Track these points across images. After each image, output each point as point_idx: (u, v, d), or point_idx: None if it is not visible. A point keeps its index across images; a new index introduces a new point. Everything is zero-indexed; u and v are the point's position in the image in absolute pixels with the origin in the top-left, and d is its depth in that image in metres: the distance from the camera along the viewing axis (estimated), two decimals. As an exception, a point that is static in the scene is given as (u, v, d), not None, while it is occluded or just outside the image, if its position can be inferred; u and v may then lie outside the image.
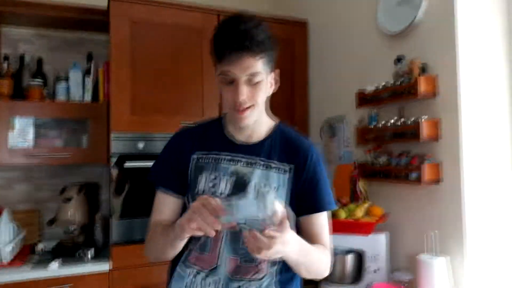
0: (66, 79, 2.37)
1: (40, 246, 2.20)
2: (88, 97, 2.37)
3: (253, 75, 1.03)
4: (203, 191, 1.10)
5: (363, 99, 2.04)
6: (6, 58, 2.31)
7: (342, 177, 2.14)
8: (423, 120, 1.68)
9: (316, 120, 2.57)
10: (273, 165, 1.11)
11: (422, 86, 1.68)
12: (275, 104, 2.45)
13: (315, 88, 2.60)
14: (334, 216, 1.74)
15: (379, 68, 2.00)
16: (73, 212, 2.28)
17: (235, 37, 1.01)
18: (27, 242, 2.27)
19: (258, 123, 1.14)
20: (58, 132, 2.37)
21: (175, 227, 1.00)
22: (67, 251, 2.16)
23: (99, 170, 2.56)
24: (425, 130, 1.67)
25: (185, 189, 1.14)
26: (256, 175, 1.09)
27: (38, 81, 2.27)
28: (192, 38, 2.27)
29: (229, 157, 1.13)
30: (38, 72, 2.39)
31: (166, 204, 1.16)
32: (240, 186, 1.09)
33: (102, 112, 2.29)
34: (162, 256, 1.11)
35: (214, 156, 1.14)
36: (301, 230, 1.11)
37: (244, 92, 1.04)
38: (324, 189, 1.14)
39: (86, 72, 2.42)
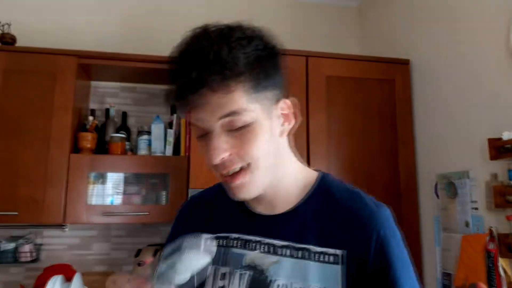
0: (148, 132, 2.28)
1: (111, 314, 2.00)
2: (169, 151, 2.24)
3: (233, 115, 0.65)
4: None
5: (498, 149, 1.56)
6: (93, 112, 2.30)
7: (472, 252, 1.63)
8: None
9: (426, 174, 2.10)
10: (312, 251, 0.70)
11: None
12: (375, 152, 2.04)
13: (422, 135, 2.15)
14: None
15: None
16: (148, 277, 2.07)
17: (189, 62, 0.64)
18: (100, 307, 2.09)
19: (281, 182, 0.75)
20: (138, 188, 2.24)
21: None
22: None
23: (178, 229, 2.36)
24: None
25: None
26: (284, 270, 0.70)
27: (119, 135, 2.20)
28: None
29: (243, 239, 0.75)
30: (123, 125, 2.34)
31: None
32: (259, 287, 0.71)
33: (182, 166, 2.11)
34: None
35: (224, 238, 0.78)
36: None
37: (221, 147, 0.66)
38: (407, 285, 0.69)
39: (169, 125, 2.31)
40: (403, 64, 2.23)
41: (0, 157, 1.92)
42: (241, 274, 0.72)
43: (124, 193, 2.18)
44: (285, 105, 0.74)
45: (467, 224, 1.76)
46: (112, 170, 2.11)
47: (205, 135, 0.69)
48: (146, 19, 2.56)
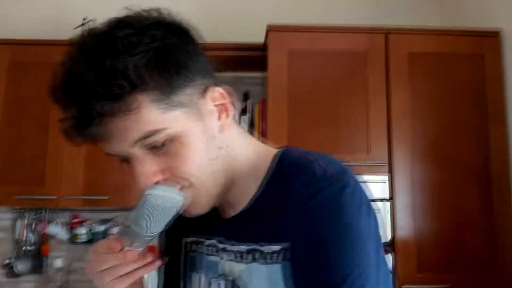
0: (223, 119, 2.32)
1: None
2: (244, 137, 2.25)
3: (149, 136, 0.54)
4: None
5: None
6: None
7: None
8: None
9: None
10: (270, 251, 0.59)
11: None
12: (463, 133, 1.89)
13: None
14: None
15: None
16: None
17: (66, 92, 0.52)
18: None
19: (236, 177, 0.64)
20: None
21: None
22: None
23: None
24: None
25: None
26: (251, 277, 0.61)
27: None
28: (356, 63, 1.96)
29: (215, 246, 0.68)
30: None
31: None
32: None
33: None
34: None
35: (199, 243, 0.72)
36: None
37: (148, 171, 0.56)
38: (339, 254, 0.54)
39: (242, 112, 2.33)
40: (493, 37, 2.05)
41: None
42: (218, 284, 0.66)
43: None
44: (217, 93, 0.61)
45: None
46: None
47: (128, 160, 0.57)
48: (224, 6, 2.58)
